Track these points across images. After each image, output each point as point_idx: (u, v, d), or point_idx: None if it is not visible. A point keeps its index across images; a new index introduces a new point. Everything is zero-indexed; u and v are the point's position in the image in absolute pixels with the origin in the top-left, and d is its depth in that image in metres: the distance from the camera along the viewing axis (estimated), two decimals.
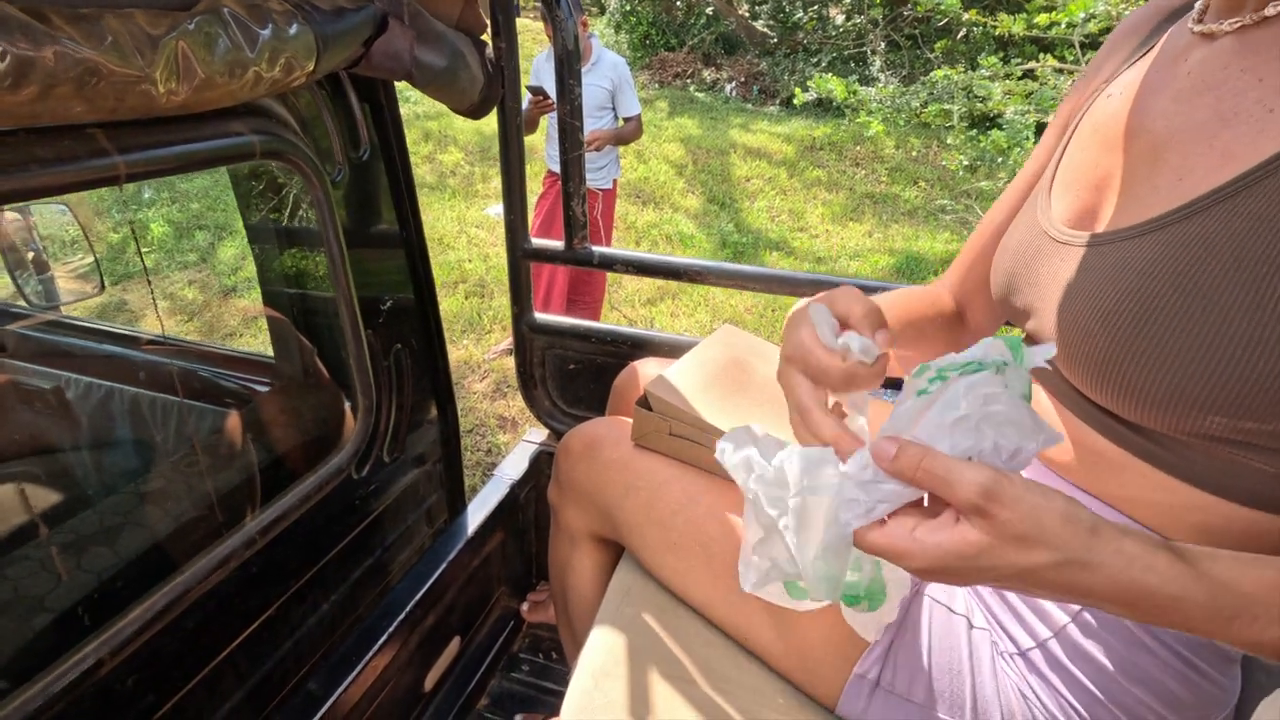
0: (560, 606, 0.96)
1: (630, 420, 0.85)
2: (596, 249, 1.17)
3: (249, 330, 3.53)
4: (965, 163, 3.58)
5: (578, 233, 1.16)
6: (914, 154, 6.29)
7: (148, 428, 1.13)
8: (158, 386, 1.18)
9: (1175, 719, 0.57)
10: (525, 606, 1.36)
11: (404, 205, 1.01)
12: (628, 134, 3.13)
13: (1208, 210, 0.51)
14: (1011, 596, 0.64)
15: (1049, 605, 0.61)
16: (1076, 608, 0.59)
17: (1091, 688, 0.58)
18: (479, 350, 3.58)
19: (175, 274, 4.05)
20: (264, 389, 1.15)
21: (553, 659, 1.36)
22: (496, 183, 5.51)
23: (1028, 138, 3.22)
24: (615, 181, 3.24)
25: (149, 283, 3.93)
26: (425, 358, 1.15)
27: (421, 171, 5.31)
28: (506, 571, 1.35)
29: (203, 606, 0.79)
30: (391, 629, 1.00)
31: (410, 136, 6.38)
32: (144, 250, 4.27)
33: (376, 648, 0.97)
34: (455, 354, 3.59)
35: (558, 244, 1.19)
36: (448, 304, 4.03)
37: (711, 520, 0.75)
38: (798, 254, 4.86)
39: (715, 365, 0.88)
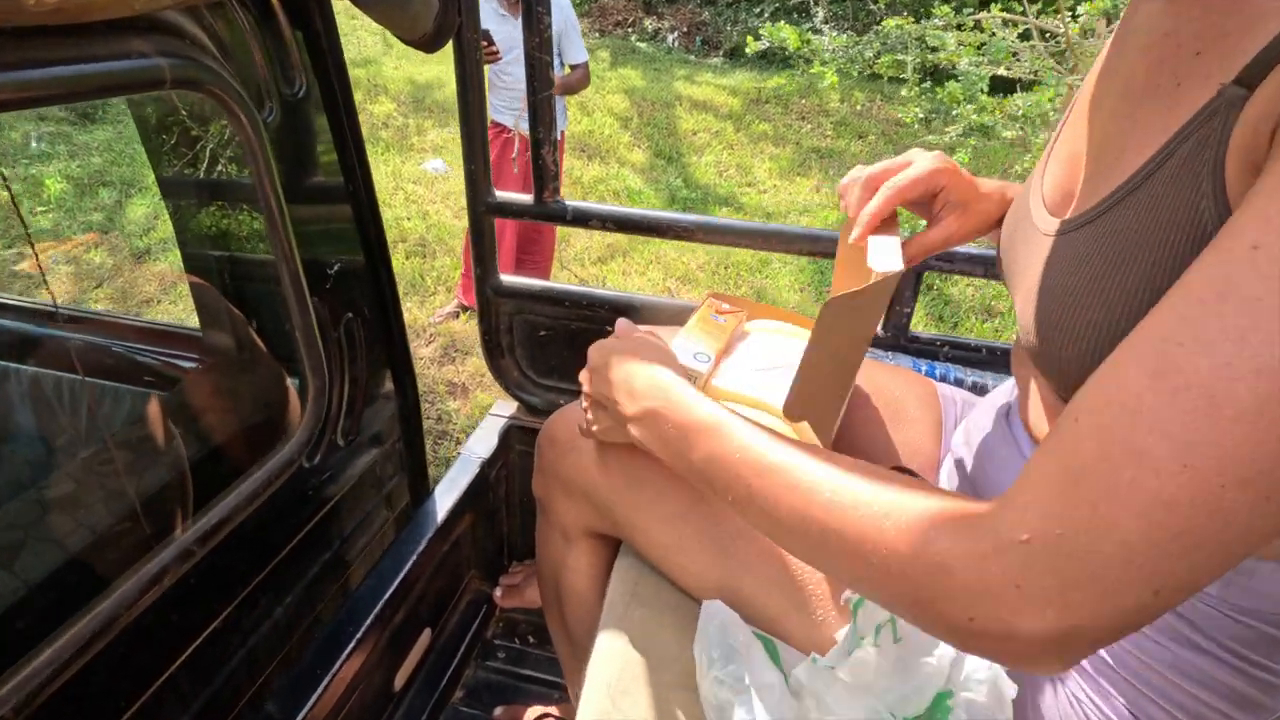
0: (552, 607, 0.86)
1: None
2: (570, 203, 1.05)
3: (168, 298, 3.25)
4: (920, 115, 3.55)
5: (549, 184, 1.04)
6: (859, 108, 6.26)
7: (50, 416, 0.97)
8: (61, 365, 1.01)
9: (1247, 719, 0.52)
10: (499, 592, 1.27)
11: (348, 152, 0.87)
12: (574, 82, 2.90)
13: (1121, 202, 0.46)
14: None
15: None
16: None
17: (1147, 692, 0.53)
18: (423, 314, 3.41)
19: (79, 236, 3.68)
20: (192, 368, 1.00)
21: (530, 643, 1.28)
22: (433, 135, 5.21)
23: (982, 90, 3.19)
24: (562, 134, 3.00)
25: (31, 244, 3.56)
26: (379, 326, 1.02)
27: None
28: (477, 555, 1.25)
29: (132, 632, 0.67)
30: (358, 635, 0.90)
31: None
32: (40, 210, 3.87)
33: (342, 659, 0.86)
34: None
35: (525, 198, 1.06)
36: None
37: (729, 516, 0.66)
38: (747, 209, 4.79)
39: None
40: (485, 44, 2.74)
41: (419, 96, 5.69)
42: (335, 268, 0.91)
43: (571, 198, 1.05)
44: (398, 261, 3.81)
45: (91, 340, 1.05)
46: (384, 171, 4.60)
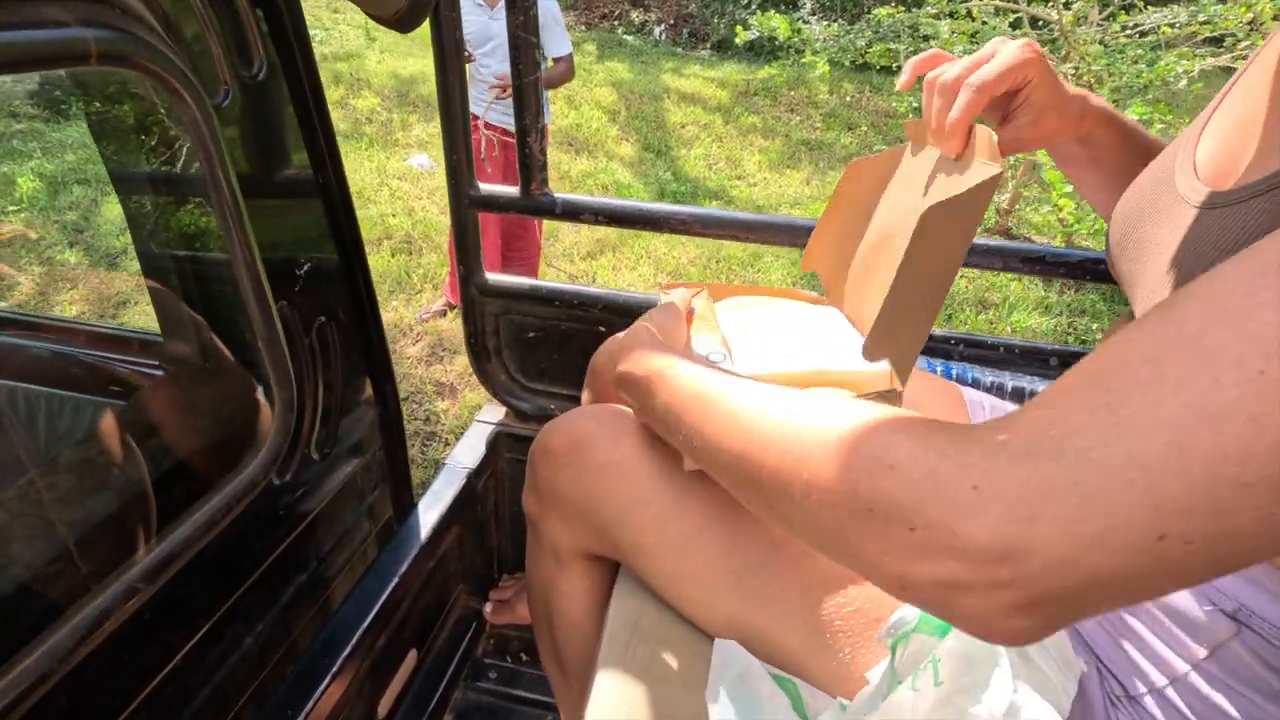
0: (543, 632, 0.79)
1: (625, 407, 0.69)
2: (559, 195, 0.98)
3: (145, 301, 3.15)
4: (914, 105, 3.49)
5: (536, 176, 0.97)
6: (849, 99, 6.21)
7: None
8: (5, 374, 0.94)
9: None
10: (489, 608, 1.20)
11: (316, 140, 0.80)
12: (557, 76, 2.79)
13: None
14: (1121, 636, 0.52)
15: (1168, 648, 0.50)
16: (1201, 653, 0.48)
17: None
18: (410, 312, 3.33)
19: (52, 235, 3.57)
20: (151, 377, 0.93)
21: (523, 661, 1.21)
22: (418, 130, 5.11)
23: None
24: (546, 128, 2.95)
25: None
26: (356, 330, 0.95)
27: (333, 118, 4.85)
28: (465, 569, 1.18)
29: (80, 674, 0.60)
30: (338, 664, 0.83)
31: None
32: (11, 209, 3.75)
33: (319, 690, 0.80)
34: (385, 317, 3.33)
35: (512, 190, 0.99)
36: (373, 263, 3.72)
37: (748, 541, 0.60)
38: (737, 203, 4.73)
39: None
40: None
41: (403, 91, 5.58)
42: (305, 268, 0.84)
43: (559, 192, 0.98)
44: (383, 259, 3.72)
45: (38, 346, 0.97)
46: (368, 167, 4.50)
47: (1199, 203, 0.47)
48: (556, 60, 2.75)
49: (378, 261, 3.69)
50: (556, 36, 2.70)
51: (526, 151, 0.94)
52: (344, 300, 0.92)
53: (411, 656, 1.06)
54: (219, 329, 0.76)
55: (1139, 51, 2.86)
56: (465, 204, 0.99)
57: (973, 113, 0.56)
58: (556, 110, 5.74)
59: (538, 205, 0.98)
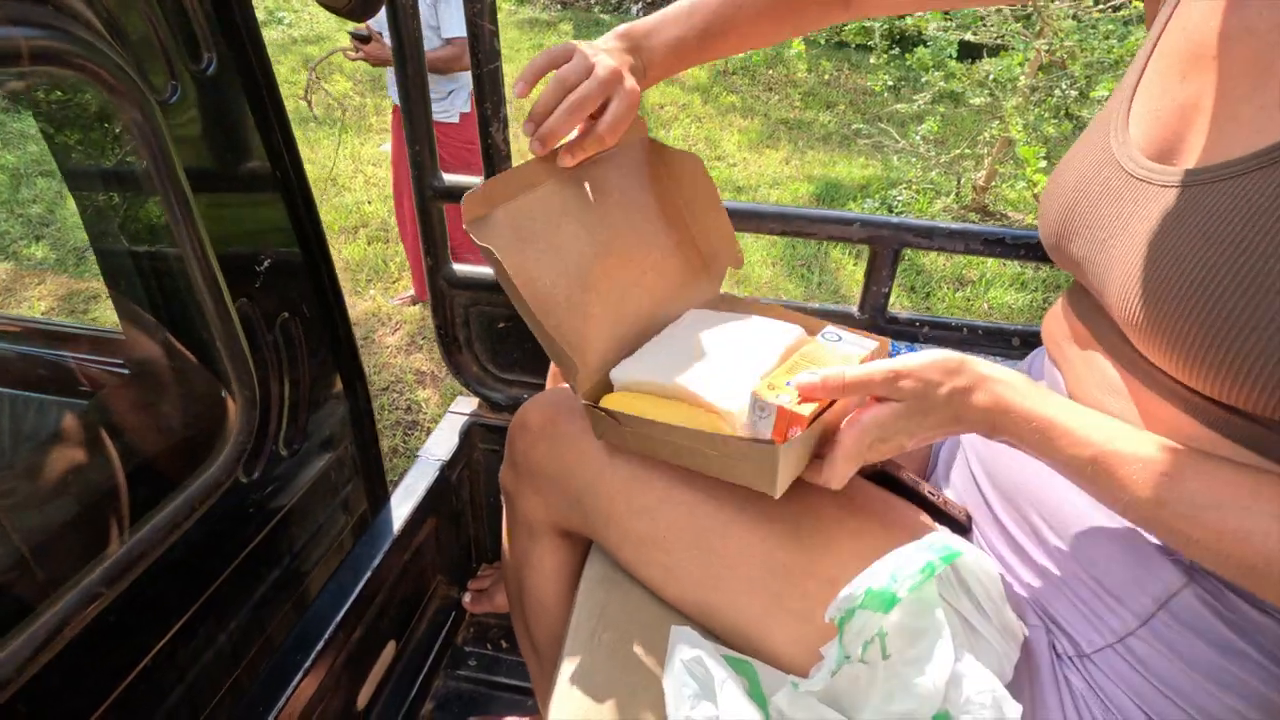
0: (517, 610, 0.81)
1: None
2: None
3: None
4: (889, 83, 3.49)
5: (500, 166, 0.96)
6: (827, 77, 6.18)
7: None
8: None
9: None
10: (467, 598, 1.21)
11: (273, 133, 0.79)
12: (438, 61, 2.46)
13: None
14: (1071, 591, 0.54)
15: (1117, 602, 0.51)
16: (1152, 605, 0.49)
17: (1173, 696, 0.49)
18: (387, 301, 3.31)
19: (14, 228, 3.50)
20: (115, 376, 0.92)
21: (502, 648, 1.22)
22: (391, 115, 5.03)
23: (951, 55, 3.14)
24: (464, 116, 2.64)
25: None
26: (322, 324, 0.94)
27: (305, 104, 4.76)
28: (442, 559, 1.19)
29: (48, 675, 0.60)
30: (313, 656, 0.83)
31: (287, 64, 5.72)
32: None
33: (295, 682, 0.80)
34: (363, 306, 3.31)
35: (476, 180, 0.98)
36: (349, 251, 3.68)
37: (711, 505, 0.61)
38: (717, 184, 4.71)
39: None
40: (361, 42, 2.49)
41: (376, 75, 5.48)
42: (266, 263, 0.83)
43: None
44: (359, 247, 3.68)
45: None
46: (343, 154, 4.43)
47: (1174, 181, 0.47)
48: (449, 41, 2.50)
49: (354, 250, 3.66)
50: (452, 16, 2.47)
51: (490, 142, 0.93)
52: (308, 294, 0.91)
53: (390, 648, 1.07)
54: (178, 328, 0.75)
55: (1110, 27, 2.88)
56: (430, 195, 0.98)
57: (571, 125, 0.66)
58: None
59: None
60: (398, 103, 2.59)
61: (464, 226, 0.63)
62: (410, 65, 0.89)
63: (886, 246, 0.91)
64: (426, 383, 2.95)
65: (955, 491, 0.66)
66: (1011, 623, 0.52)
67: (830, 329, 0.64)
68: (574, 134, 0.68)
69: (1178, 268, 0.44)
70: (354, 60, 2.58)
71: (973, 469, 0.64)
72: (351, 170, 4.31)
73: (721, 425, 0.57)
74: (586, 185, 0.71)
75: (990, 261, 3.61)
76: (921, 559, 0.48)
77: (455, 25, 2.46)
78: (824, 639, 0.55)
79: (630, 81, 0.66)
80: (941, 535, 0.52)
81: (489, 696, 1.16)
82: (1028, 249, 0.89)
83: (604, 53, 0.67)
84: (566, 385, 0.77)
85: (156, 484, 0.74)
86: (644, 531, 0.62)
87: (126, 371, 0.88)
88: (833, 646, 0.52)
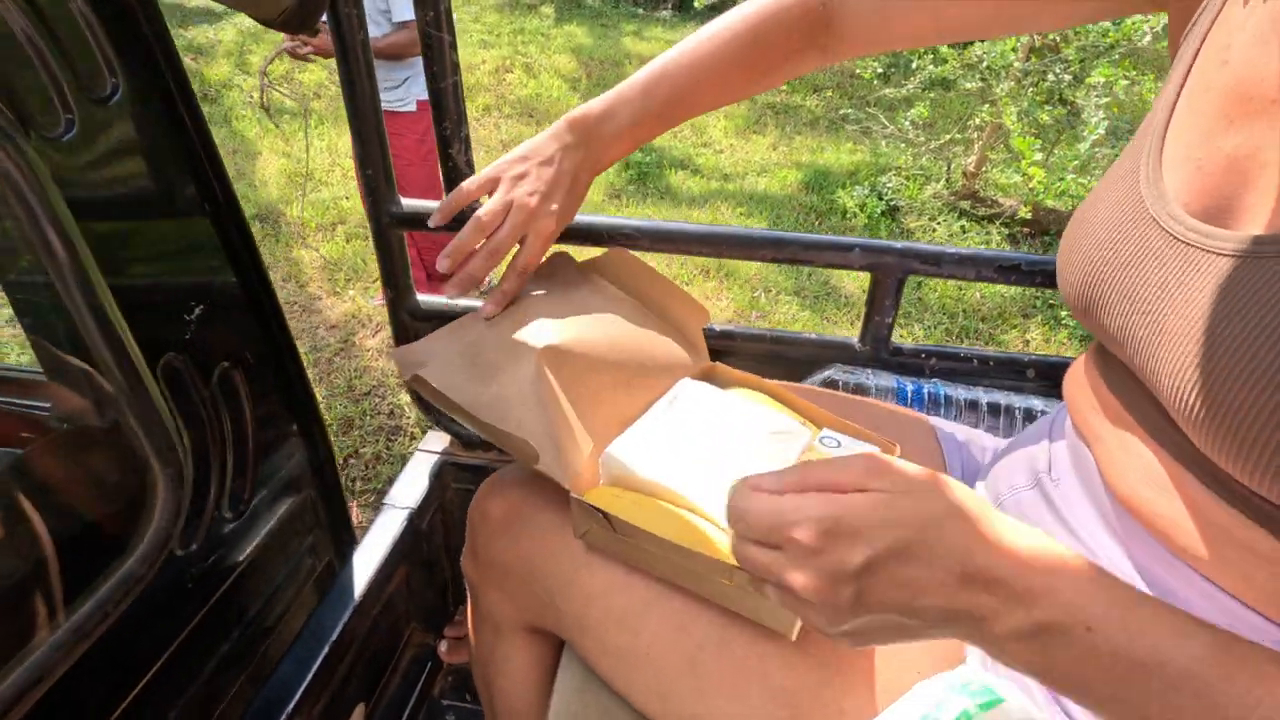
0: (487, 709, 0.73)
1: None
2: None
3: None
4: (879, 70, 3.39)
5: None
6: None
7: None
8: None
9: None
10: (443, 647, 1.13)
11: (197, 157, 0.70)
12: (391, 48, 2.34)
13: None
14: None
15: None
16: None
17: None
18: (367, 302, 3.20)
19: None
20: (36, 432, 0.82)
21: None
22: None
23: None
24: (421, 104, 2.49)
25: None
26: (269, 369, 0.85)
27: (278, 96, 4.59)
28: (416, 607, 1.11)
29: None
30: None
31: (260, 52, 5.52)
32: None
33: None
34: (341, 307, 3.20)
35: (436, 205, 0.89)
36: (327, 249, 3.56)
37: (702, 619, 0.53)
38: (704, 172, 4.61)
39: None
40: (302, 40, 2.34)
41: None
42: (198, 310, 0.74)
43: None
44: (338, 245, 3.56)
45: None
46: (319, 146, 4.29)
47: (1233, 250, 0.40)
48: (400, 25, 2.37)
49: (332, 249, 3.54)
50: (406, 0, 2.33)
51: (450, 164, 0.84)
52: (250, 337, 0.82)
53: (359, 711, 0.99)
54: (92, 394, 0.66)
55: None
56: (387, 222, 0.89)
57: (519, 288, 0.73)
58: (514, 78, 5.53)
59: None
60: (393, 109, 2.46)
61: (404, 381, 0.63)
62: (360, 83, 0.79)
63: (890, 275, 0.83)
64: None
65: None
66: None
67: (828, 434, 0.59)
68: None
69: (1249, 355, 0.37)
70: (302, 56, 2.45)
71: None
72: (329, 164, 4.17)
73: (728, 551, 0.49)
74: (520, 309, 0.72)
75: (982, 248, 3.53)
76: (956, 706, 0.40)
77: (406, 8, 2.33)
78: None
79: (545, 218, 0.69)
80: (977, 671, 0.44)
81: None
82: (1045, 276, 0.81)
83: (537, 165, 0.69)
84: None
85: (76, 572, 0.66)
86: (625, 645, 0.54)
87: (32, 446, 0.79)
88: None
